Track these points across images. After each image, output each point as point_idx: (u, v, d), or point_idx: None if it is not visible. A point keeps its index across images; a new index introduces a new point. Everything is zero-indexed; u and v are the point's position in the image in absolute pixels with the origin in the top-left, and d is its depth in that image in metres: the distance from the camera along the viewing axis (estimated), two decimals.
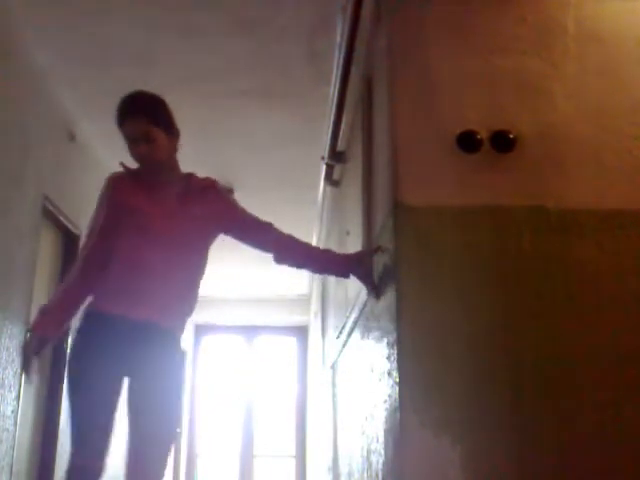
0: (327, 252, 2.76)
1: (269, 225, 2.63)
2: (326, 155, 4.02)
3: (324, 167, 4.28)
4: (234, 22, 3.57)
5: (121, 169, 2.52)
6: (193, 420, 9.58)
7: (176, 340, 2.47)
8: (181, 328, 2.50)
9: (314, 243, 6.51)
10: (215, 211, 2.56)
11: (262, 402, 9.74)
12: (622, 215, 2.26)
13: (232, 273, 8.29)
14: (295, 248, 2.61)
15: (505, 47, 2.41)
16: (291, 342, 10.04)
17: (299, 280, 8.46)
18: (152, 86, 4.15)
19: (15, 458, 3.72)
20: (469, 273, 2.21)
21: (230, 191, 2.55)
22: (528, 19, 2.45)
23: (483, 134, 2.28)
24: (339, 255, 2.74)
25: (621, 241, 2.24)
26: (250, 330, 9.95)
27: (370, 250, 2.64)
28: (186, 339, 9.35)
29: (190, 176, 2.58)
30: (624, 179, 2.30)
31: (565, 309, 2.18)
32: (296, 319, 9.57)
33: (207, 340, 10.07)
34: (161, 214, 2.42)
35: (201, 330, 9.99)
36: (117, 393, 2.30)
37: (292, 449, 9.61)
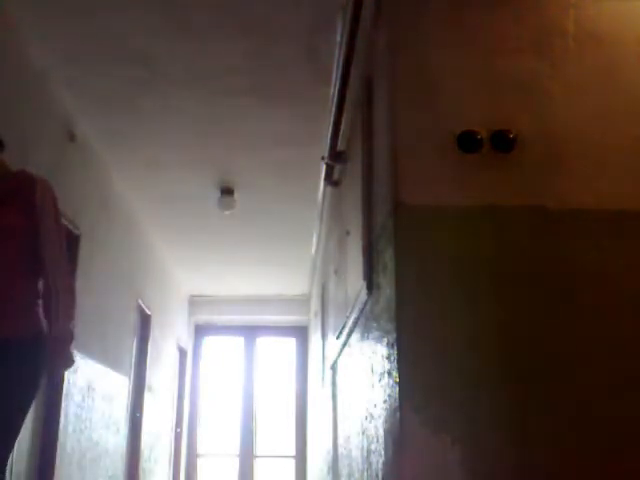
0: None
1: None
2: (326, 155, 4.03)
3: (324, 167, 4.29)
4: (234, 22, 3.56)
5: None
6: (193, 420, 9.58)
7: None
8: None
9: (314, 243, 6.51)
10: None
11: (262, 402, 9.74)
12: (622, 215, 2.26)
13: (232, 273, 8.30)
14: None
15: (505, 47, 2.41)
16: (291, 342, 10.03)
17: (299, 280, 8.47)
18: (152, 86, 4.18)
19: (15, 458, 3.72)
20: (469, 273, 2.21)
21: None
22: (528, 19, 2.45)
23: (483, 134, 2.28)
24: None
25: (621, 241, 2.24)
26: (250, 330, 9.95)
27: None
28: (186, 339, 9.35)
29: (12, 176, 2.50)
30: (624, 179, 2.30)
31: (565, 308, 2.18)
32: (296, 319, 9.57)
33: (207, 340, 10.07)
34: None
35: (201, 330, 9.99)
36: None
37: (292, 449, 9.61)
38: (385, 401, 2.34)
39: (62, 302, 2.34)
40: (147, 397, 6.74)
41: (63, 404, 4.42)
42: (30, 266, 2.37)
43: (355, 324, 3.25)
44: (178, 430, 8.88)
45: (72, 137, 4.55)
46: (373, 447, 2.60)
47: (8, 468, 3.60)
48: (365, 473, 2.81)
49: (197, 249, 7.39)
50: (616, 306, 2.19)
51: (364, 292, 2.85)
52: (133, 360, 6.31)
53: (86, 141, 4.78)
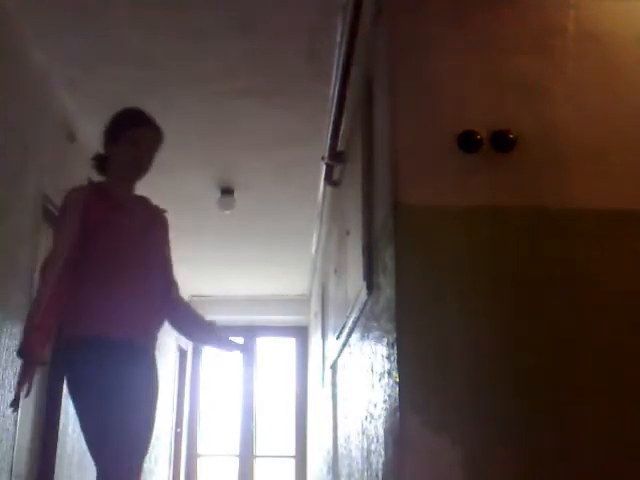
0: (211, 332, 2.78)
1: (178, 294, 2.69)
2: (326, 155, 4.02)
3: (324, 167, 4.28)
4: (234, 22, 3.56)
5: (84, 183, 2.53)
6: (193, 420, 9.58)
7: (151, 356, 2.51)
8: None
9: (314, 243, 6.51)
10: (158, 241, 2.61)
11: (262, 402, 9.74)
12: (622, 215, 2.26)
13: (232, 273, 8.29)
14: (191, 320, 2.72)
15: (505, 47, 2.41)
16: (291, 342, 10.03)
17: (299, 280, 8.46)
18: (152, 86, 4.17)
19: (15, 458, 3.72)
20: (469, 273, 2.21)
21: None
22: (528, 19, 2.45)
23: (483, 134, 2.28)
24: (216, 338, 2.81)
25: (621, 241, 2.24)
26: (250, 330, 9.94)
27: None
28: (186, 339, 9.33)
29: (146, 198, 2.66)
30: (624, 179, 2.30)
31: (565, 309, 2.18)
32: (296, 319, 9.56)
33: None
34: (135, 228, 2.47)
35: None
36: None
37: (292, 449, 9.61)
38: (385, 401, 2.34)
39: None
40: None
41: (63, 404, 4.42)
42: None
43: (355, 324, 3.25)
44: (178, 430, 8.88)
45: (72, 137, 4.55)
46: (373, 447, 2.60)
47: (8, 468, 3.61)
48: (365, 473, 2.81)
49: (197, 249, 7.38)
50: (617, 306, 2.19)
51: (364, 292, 2.85)
52: None
53: (86, 141, 4.77)
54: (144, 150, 2.53)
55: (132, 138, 2.51)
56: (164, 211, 2.70)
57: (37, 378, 2.43)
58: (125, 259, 2.40)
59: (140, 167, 2.55)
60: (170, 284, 2.61)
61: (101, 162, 2.59)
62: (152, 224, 2.57)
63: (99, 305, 2.33)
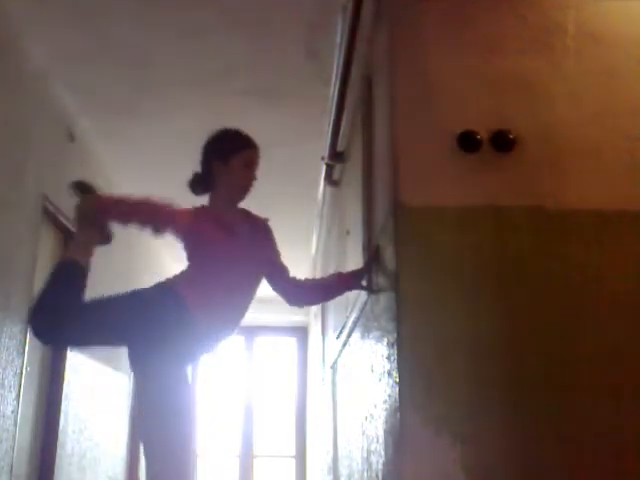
0: (334, 281, 2.80)
1: (300, 280, 2.78)
2: (326, 155, 4.02)
3: (324, 167, 4.29)
4: (234, 22, 3.56)
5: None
6: (193, 420, 9.57)
7: None
8: None
9: (314, 243, 6.51)
10: (264, 252, 2.69)
11: (262, 402, 9.74)
12: (622, 215, 2.26)
13: None
14: (313, 292, 2.82)
15: (505, 47, 2.41)
16: (291, 342, 10.03)
17: None
18: (152, 86, 4.18)
19: (15, 458, 3.72)
20: (469, 273, 2.21)
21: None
22: (528, 19, 2.45)
23: (483, 134, 2.28)
24: (343, 277, 2.80)
25: (621, 241, 2.24)
26: (250, 330, 9.94)
27: (369, 262, 2.75)
28: None
29: (247, 211, 2.71)
30: (624, 179, 2.30)
31: (565, 309, 2.18)
32: (296, 319, 9.55)
33: None
34: (242, 245, 2.55)
35: None
36: None
37: (292, 449, 9.61)
38: (385, 401, 2.34)
39: None
40: None
41: (63, 404, 4.42)
42: None
43: (355, 324, 3.25)
44: None
45: (72, 137, 4.56)
46: (373, 447, 2.60)
47: (8, 468, 3.61)
48: (365, 473, 2.81)
49: None
50: (616, 306, 2.19)
51: (364, 292, 2.85)
52: None
53: (86, 141, 4.78)
54: (255, 172, 2.59)
55: (247, 160, 2.57)
56: (265, 220, 2.74)
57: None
58: (236, 276, 2.51)
59: (249, 190, 2.61)
60: (282, 273, 2.74)
61: (202, 181, 2.62)
62: (253, 238, 2.61)
63: (215, 309, 2.52)
